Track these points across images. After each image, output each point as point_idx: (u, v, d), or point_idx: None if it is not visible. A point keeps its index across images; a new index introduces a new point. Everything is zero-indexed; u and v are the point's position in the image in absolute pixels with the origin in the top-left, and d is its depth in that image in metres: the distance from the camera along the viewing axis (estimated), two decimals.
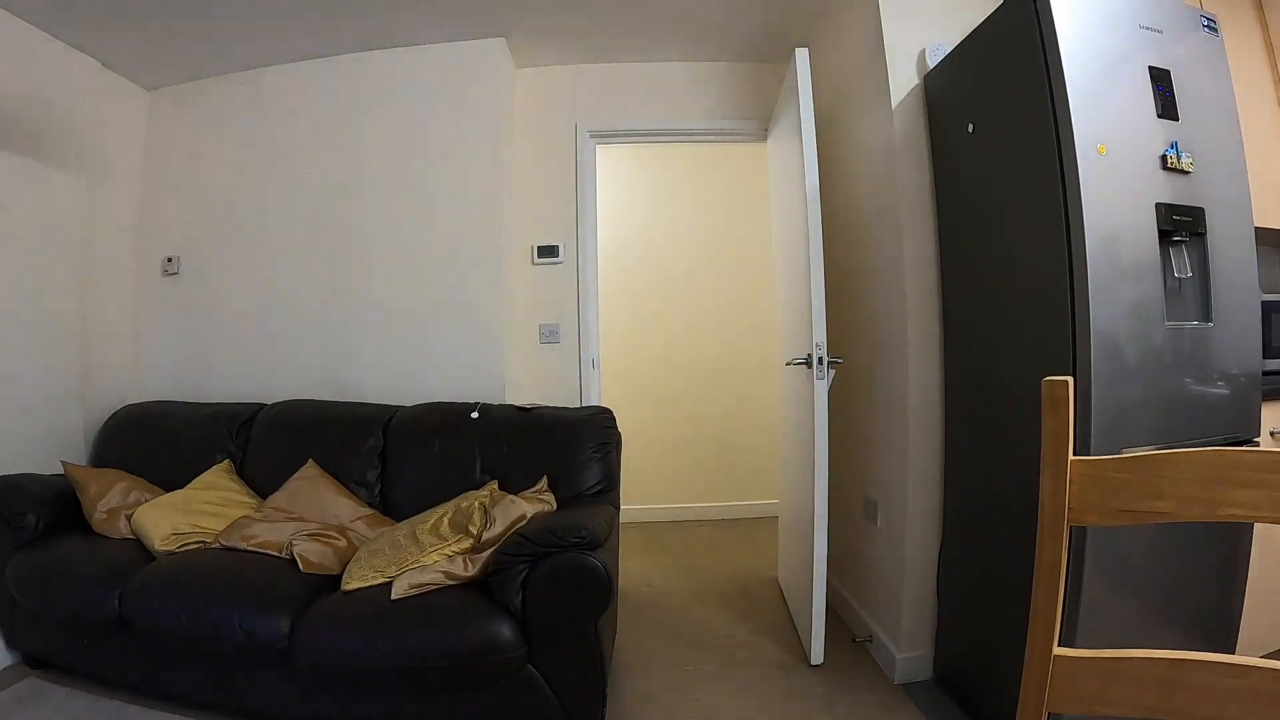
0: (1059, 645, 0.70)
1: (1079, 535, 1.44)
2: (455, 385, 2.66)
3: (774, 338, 3.20)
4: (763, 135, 3.04)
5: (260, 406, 2.60)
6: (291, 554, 1.95)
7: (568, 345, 3.03)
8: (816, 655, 2.16)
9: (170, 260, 2.90)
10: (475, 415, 2.37)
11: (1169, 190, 1.51)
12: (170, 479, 2.35)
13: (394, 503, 2.32)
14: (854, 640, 2.33)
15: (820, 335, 2.11)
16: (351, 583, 1.82)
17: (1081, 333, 1.44)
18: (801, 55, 2.19)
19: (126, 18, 2.39)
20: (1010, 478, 1.70)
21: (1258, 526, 1.59)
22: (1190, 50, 1.58)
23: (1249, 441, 1.58)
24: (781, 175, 2.67)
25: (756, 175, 3.83)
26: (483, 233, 2.77)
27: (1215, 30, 1.61)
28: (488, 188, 2.78)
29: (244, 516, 2.13)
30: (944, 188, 2.01)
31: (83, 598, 1.85)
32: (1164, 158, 1.51)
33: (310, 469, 2.32)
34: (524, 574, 1.68)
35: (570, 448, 2.25)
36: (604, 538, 1.75)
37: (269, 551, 1.98)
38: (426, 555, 1.85)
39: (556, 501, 2.12)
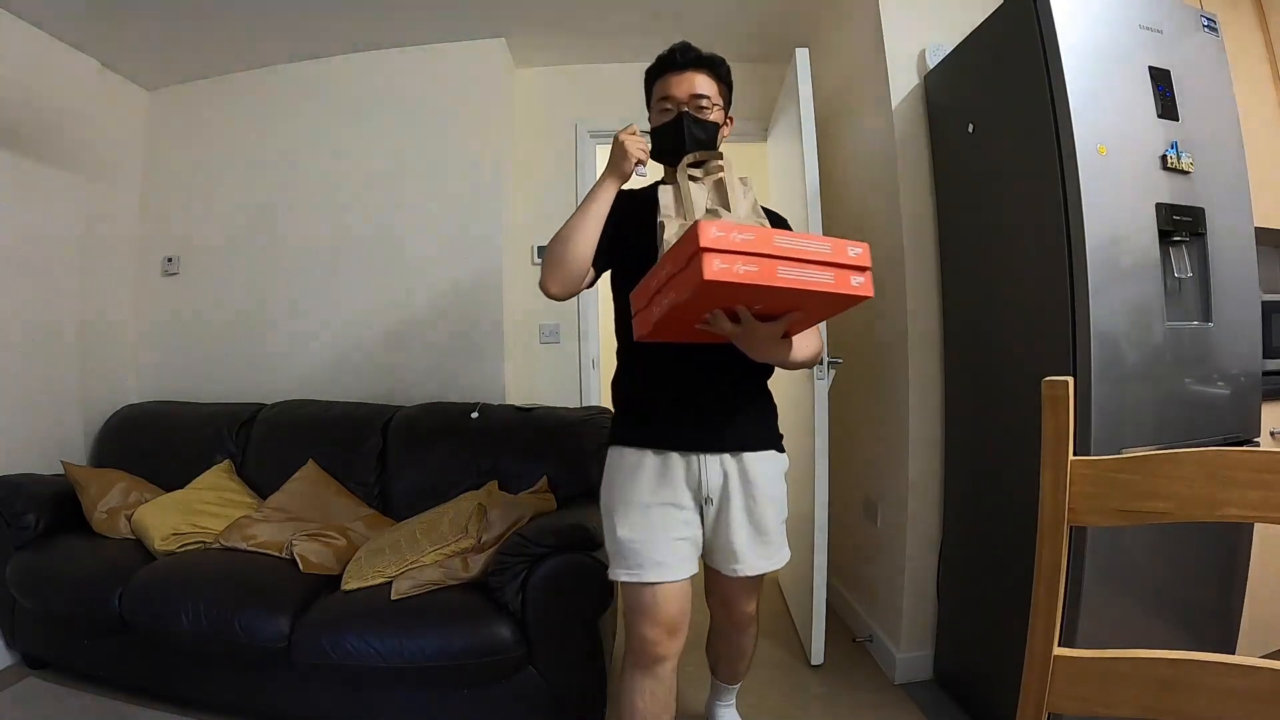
0: (1059, 645, 0.70)
1: (1079, 535, 1.43)
2: (455, 385, 2.66)
3: None
4: (762, 135, 3.04)
5: (260, 406, 2.60)
6: (291, 554, 1.95)
7: (568, 345, 3.03)
8: (816, 655, 2.15)
9: (170, 260, 2.90)
10: (475, 415, 2.37)
11: (1169, 190, 1.51)
12: (170, 479, 2.35)
13: (394, 503, 2.31)
14: (854, 640, 2.32)
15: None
16: (351, 583, 1.82)
17: (1081, 333, 1.44)
18: (801, 55, 2.18)
19: (126, 18, 2.39)
20: (1010, 478, 1.70)
21: (1258, 526, 1.59)
22: (1190, 50, 1.58)
23: (1249, 441, 1.58)
24: (781, 175, 2.67)
25: (756, 175, 3.82)
26: (483, 232, 2.77)
27: (1215, 30, 1.61)
28: (488, 188, 2.78)
29: (244, 516, 2.13)
30: (944, 188, 2.01)
31: (83, 598, 1.85)
32: (1164, 158, 1.51)
33: (310, 469, 2.32)
34: (524, 574, 1.68)
35: (570, 448, 2.25)
36: (604, 538, 1.75)
37: (269, 551, 1.98)
38: (426, 555, 1.85)
39: (556, 501, 2.12)
